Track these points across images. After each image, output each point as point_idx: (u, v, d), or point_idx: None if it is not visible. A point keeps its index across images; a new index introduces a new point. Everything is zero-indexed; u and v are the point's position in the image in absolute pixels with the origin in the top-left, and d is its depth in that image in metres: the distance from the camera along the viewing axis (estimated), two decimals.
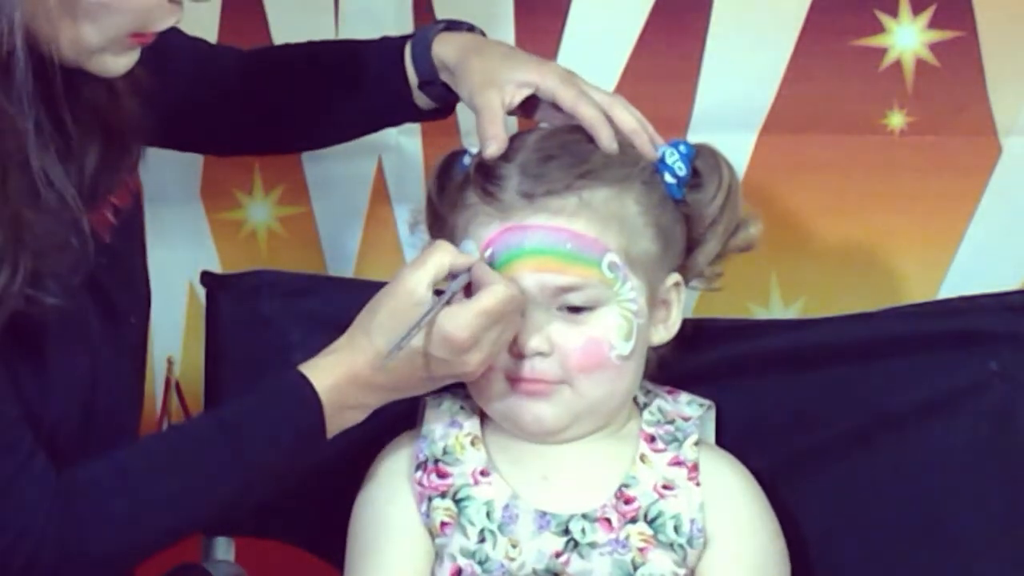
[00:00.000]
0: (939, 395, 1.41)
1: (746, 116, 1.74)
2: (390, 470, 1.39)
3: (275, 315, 1.53)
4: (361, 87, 1.51)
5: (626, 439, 1.37)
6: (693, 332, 1.42)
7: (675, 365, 1.42)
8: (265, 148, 1.67)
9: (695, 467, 1.36)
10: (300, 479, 1.31)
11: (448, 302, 1.27)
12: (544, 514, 1.33)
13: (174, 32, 1.26)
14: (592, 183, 1.32)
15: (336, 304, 1.48)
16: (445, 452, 1.37)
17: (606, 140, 1.34)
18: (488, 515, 1.33)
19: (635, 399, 1.40)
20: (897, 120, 1.73)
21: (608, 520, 1.33)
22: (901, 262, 1.76)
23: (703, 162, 1.38)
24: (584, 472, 1.35)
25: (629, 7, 1.74)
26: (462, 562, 1.33)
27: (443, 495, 1.35)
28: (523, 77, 1.38)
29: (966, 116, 1.72)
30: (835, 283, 1.76)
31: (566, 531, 1.32)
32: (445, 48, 1.44)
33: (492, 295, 1.26)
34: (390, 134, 1.73)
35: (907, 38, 1.71)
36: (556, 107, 1.37)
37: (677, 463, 1.36)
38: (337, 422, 1.29)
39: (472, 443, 1.37)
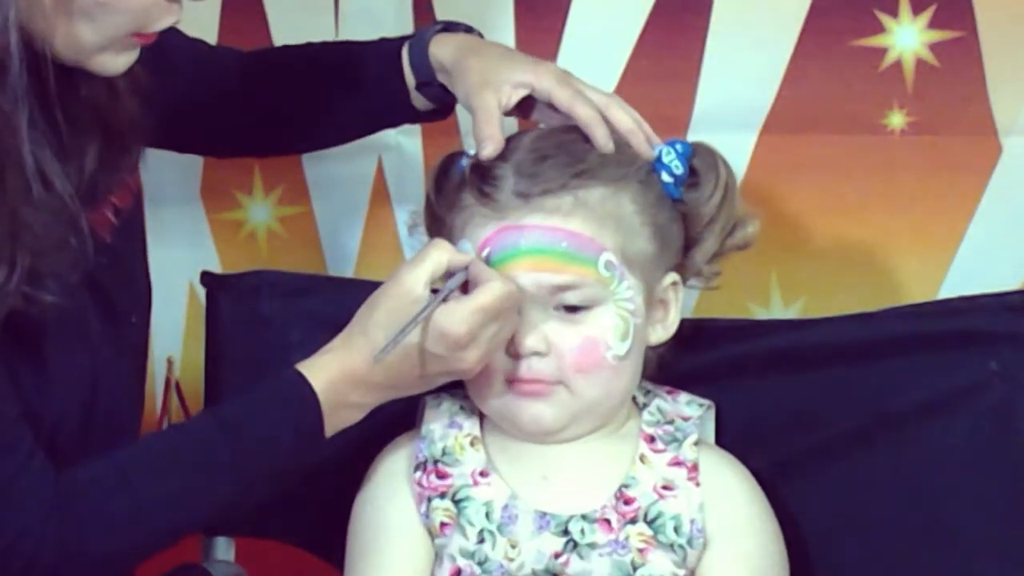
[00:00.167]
0: (939, 395, 1.41)
1: (746, 116, 1.73)
2: (389, 470, 1.39)
3: (275, 315, 1.53)
4: (359, 88, 1.51)
5: (625, 439, 1.37)
6: (693, 332, 1.42)
7: (675, 365, 1.42)
8: (264, 149, 1.67)
9: (695, 467, 1.35)
10: (300, 479, 1.31)
11: (445, 299, 1.27)
12: (543, 514, 1.33)
13: (174, 33, 1.26)
14: (588, 182, 1.32)
15: (336, 304, 1.47)
16: (444, 452, 1.37)
17: (601, 139, 1.34)
18: (487, 515, 1.33)
19: (634, 399, 1.40)
20: (897, 120, 1.73)
21: (608, 521, 1.33)
22: (901, 262, 1.76)
23: (700, 161, 1.38)
24: (583, 472, 1.35)
25: (629, 7, 1.74)
26: (461, 562, 1.33)
27: (442, 495, 1.35)
28: (519, 78, 1.38)
29: (966, 116, 1.72)
30: (835, 283, 1.76)
31: (565, 532, 1.32)
32: (442, 49, 1.44)
33: (489, 292, 1.26)
34: (390, 134, 1.73)
35: (907, 38, 1.71)
36: (552, 107, 1.37)
37: (677, 463, 1.36)
38: (335, 421, 1.29)
39: (471, 443, 1.37)
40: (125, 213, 1.34)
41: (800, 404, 1.45)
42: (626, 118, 1.36)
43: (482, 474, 1.35)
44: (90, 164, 1.25)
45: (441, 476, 1.36)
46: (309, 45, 1.58)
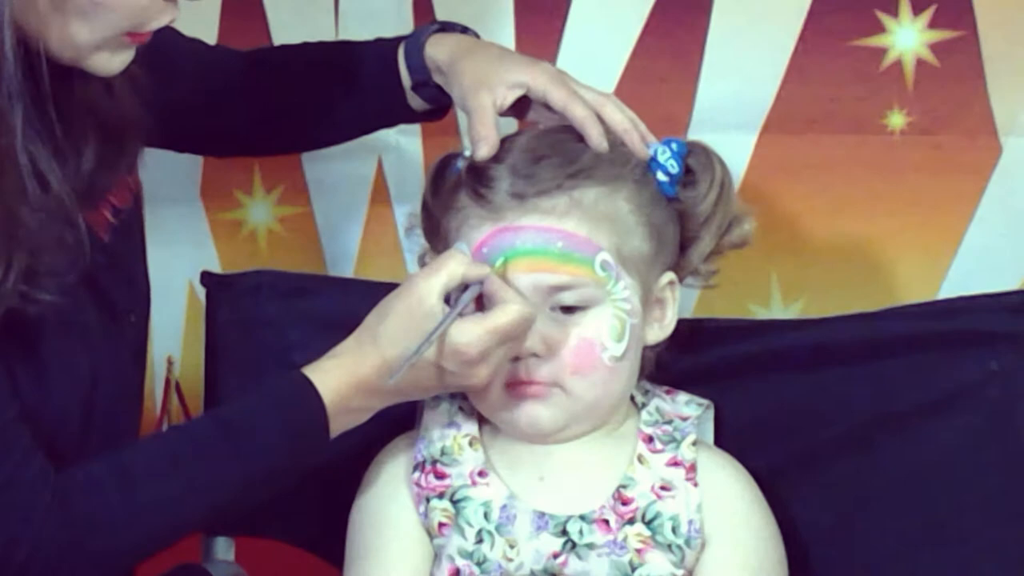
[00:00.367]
0: (939, 395, 1.41)
1: (746, 116, 1.74)
2: (389, 471, 1.39)
3: (275, 315, 1.53)
4: (355, 88, 1.51)
5: (624, 439, 1.37)
6: (692, 332, 1.42)
7: (674, 365, 1.42)
8: (262, 149, 1.67)
9: (693, 467, 1.35)
10: (300, 479, 1.31)
11: (459, 314, 1.26)
12: (542, 515, 1.33)
13: (172, 33, 1.26)
14: (583, 182, 1.32)
15: (336, 304, 1.48)
16: (443, 453, 1.37)
17: (596, 139, 1.34)
18: (486, 516, 1.33)
19: (633, 399, 1.40)
20: (897, 120, 1.73)
21: (606, 521, 1.33)
22: (901, 262, 1.76)
23: (696, 159, 1.38)
24: (582, 473, 1.35)
25: (629, 7, 1.74)
26: (460, 563, 1.33)
27: (441, 496, 1.35)
28: (514, 78, 1.38)
29: (966, 116, 1.72)
30: (835, 283, 1.76)
31: (564, 532, 1.32)
32: (437, 50, 1.44)
33: (506, 314, 1.26)
34: (390, 134, 1.73)
35: (907, 38, 1.71)
36: (548, 107, 1.37)
37: (675, 463, 1.36)
38: (340, 424, 1.29)
39: (470, 444, 1.37)
40: (124, 213, 1.34)
41: (800, 404, 1.45)
42: (621, 117, 1.36)
43: (480, 474, 1.35)
44: (87, 164, 1.25)
45: (439, 476, 1.36)
46: (307, 45, 1.58)
